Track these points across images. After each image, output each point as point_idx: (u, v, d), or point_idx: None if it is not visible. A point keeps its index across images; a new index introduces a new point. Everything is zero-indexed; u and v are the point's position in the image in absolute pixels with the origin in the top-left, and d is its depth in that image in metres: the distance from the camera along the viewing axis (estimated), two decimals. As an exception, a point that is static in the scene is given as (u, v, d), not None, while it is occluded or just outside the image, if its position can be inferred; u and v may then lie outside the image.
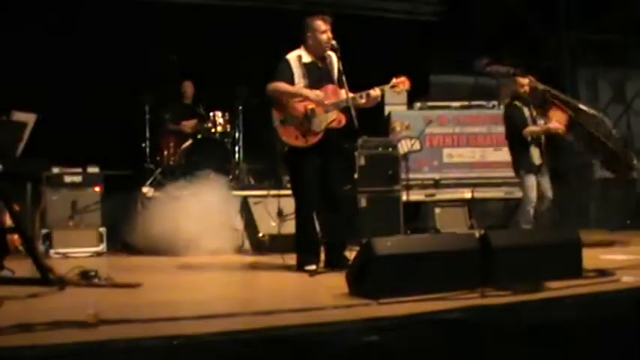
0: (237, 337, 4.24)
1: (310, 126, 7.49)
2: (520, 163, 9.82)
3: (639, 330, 5.35)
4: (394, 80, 7.68)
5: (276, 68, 7.65)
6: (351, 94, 7.38)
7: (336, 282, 6.10)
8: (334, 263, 7.36)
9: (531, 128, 9.66)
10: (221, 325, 4.56)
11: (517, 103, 9.83)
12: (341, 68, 7.56)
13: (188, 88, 12.14)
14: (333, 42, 7.53)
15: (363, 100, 7.50)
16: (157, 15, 12.61)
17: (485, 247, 5.99)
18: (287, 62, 7.63)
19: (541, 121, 9.75)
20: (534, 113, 9.83)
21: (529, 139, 9.62)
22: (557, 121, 9.61)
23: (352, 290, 5.73)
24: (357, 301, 5.41)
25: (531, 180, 9.66)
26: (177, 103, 11.88)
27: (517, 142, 9.80)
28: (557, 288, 5.70)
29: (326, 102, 7.51)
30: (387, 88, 7.66)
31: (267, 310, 4.97)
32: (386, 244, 5.62)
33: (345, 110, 7.45)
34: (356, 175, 10.32)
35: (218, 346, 4.17)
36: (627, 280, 6.21)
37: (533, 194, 9.61)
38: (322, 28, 7.54)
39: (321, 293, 6.09)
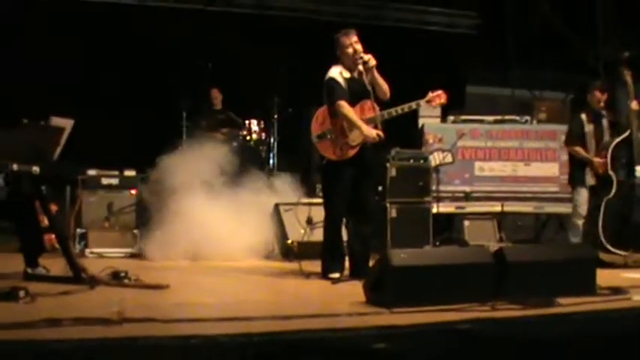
0: (252, 340, 4.44)
1: (347, 140, 7.70)
2: (573, 176, 9.84)
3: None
4: (430, 94, 7.89)
5: (330, 88, 7.78)
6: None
7: (355, 291, 6.26)
8: (358, 274, 7.47)
9: (573, 147, 9.57)
10: (238, 328, 4.76)
11: (583, 115, 9.68)
12: (372, 83, 7.70)
13: (216, 94, 12.40)
14: (363, 55, 7.66)
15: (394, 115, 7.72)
16: (195, 23, 12.90)
17: (499, 261, 6.14)
18: (337, 81, 7.76)
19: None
20: (604, 132, 9.63)
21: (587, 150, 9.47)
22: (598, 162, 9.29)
23: (369, 299, 5.92)
24: (372, 309, 5.61)
25: (582, 194, 9.60)
26: (211, 111, 12.12)
27: (574, 157, 9.76)
28: (569, 304, 5.81)
29: (366, 117, 7.70)
30: (422, 102, 7.88)
31: (284, 315, 5.19)
32: (401, 256, 5.80)
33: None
34: (380, 188, 10.42)
35: (232, 347, 4.38)
36: (638, 298, 6.33)
37: (582, 209, 9.53)
38: (346, 43, 7.73)
39: (339, 301, 6.24)
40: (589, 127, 9.63)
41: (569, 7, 14.96)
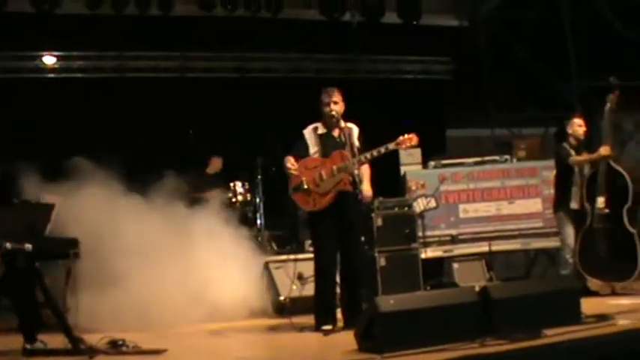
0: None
1: (318, 190, 7.96)
2: (558, 204, 9.83)
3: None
4: (401, 137, 8.09)
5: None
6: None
7: (347, 340, 6.42)
8: (351, 324, 7.50)
9: (577, 157, 9.51)
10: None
11: (565, 145, 9.71)
12: (356, 143, 8.03)
13: (216, 163, 12.55)
14: (333, 113, 8.00)
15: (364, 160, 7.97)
16: (175, 90, 13.15)
17: (485, 299, 6.32)
18: (302, 137, 8.21)
19: None
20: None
21: (574, 175, 9.55)
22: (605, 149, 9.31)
23: (360, 347, 6.09)
24: (364, 356, 5.77)
25: (568, 226, 9.58)
26: (199, 174, 12.23)
27: (560, 181, 9.79)
28: (555, 334, 6.00)
29: (334, 166, 7.96)
30: (392, 145, 8.07)
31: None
32: (389, 302, 5.98)
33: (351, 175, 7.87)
34: (362, 237, 10.55)
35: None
36: (623, 323, 6.50)
37: (570, 241, 9.52)
38: (325, 100, 8.06)
39: (332, 351, 6.41)
40: (573, 153, 9.66)
41: (541, 45, 15.21)
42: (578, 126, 9.83)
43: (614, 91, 9.52)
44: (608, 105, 9.47)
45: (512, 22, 15.69)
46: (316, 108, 8.20)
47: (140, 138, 12.65)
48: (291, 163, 8.04)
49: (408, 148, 8.42)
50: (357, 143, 8.05)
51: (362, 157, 7.91)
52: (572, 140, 9.80)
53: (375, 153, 7.97)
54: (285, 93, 13.81)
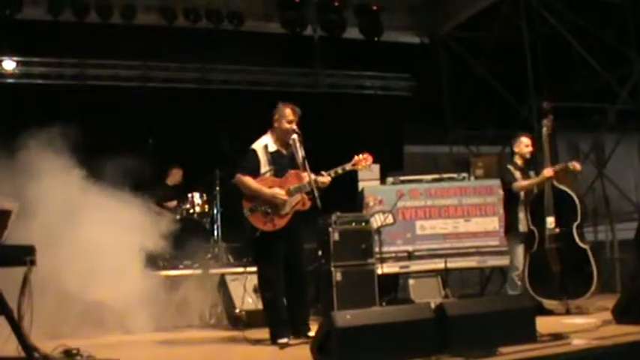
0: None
1: (277, 210, 7.92)
2: (508, 227, 9.99)
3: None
4: (356, 158, 8.13)
5: (243, 157, 8.10)
6: (313, 176, 7.86)
7: (303, 354, 6.40)
8: (297, 333, 7.77)
9: (520, 183, 9.67)
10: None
11: (510, 167, 9.89)
12: (303, 154, 8.00)
13: (176, 174, 12.52)
14: (295, 128, 8.01)
15: (324, 179, 7.96)
16: (136, 99, 13.08)
17: (440, 316, 6.34)
18: (254, 152, 8.08)
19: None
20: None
21: (520, 199, 9.70)
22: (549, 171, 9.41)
23: (316, 361, 6.10)
24: (320, 370, 5.77)
25: (517, 247, 9.72)
26: (158, 185, 12.19)
27: (507, 204, 9.93)
28: (510, 352, 6.01)
29: (290, 186, 7.95)
30: (348, 166, 8.12)
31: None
32: (345, 317, 5.98)
33: (309, 192, 7.89)
34: (320, 252, 10.57)
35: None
36: (577, 342, 6.54)
37: (517, 261, 9.68)
38: (290, 117, 8.04)
39: (287, 365, 6.42)
40: (518, 175, 9.84)
41: (501, 63, 15.34)
42: (525, 145, 9.96)
43: (547, 115, 9.64)
44: (544, 130, 9.59)
45: (473, 41, 15.82)
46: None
47: (99, 147, 12.53)
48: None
49: (363, 168, 8.47)
50: (303, 152, 8.04)
51: (319, 179, 7.95)
52: (517, 160, 9.97)
53: (332, 174, 8.01)
54: (245, 105, 13.80)
